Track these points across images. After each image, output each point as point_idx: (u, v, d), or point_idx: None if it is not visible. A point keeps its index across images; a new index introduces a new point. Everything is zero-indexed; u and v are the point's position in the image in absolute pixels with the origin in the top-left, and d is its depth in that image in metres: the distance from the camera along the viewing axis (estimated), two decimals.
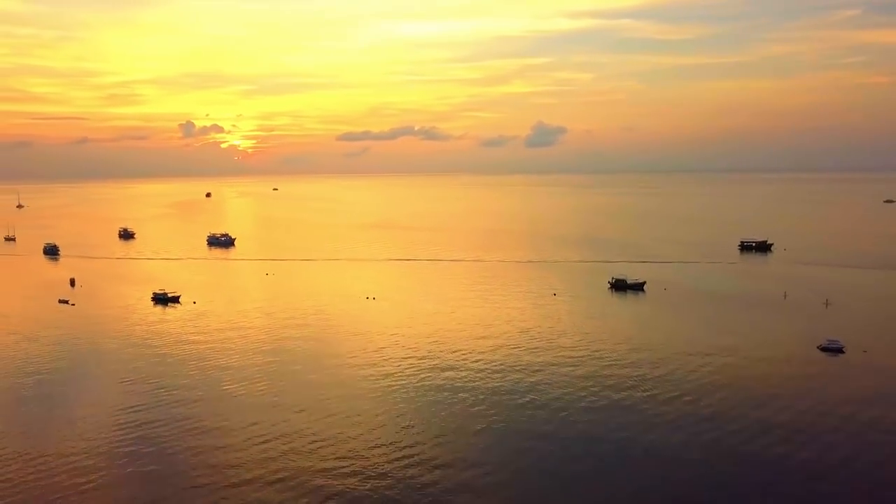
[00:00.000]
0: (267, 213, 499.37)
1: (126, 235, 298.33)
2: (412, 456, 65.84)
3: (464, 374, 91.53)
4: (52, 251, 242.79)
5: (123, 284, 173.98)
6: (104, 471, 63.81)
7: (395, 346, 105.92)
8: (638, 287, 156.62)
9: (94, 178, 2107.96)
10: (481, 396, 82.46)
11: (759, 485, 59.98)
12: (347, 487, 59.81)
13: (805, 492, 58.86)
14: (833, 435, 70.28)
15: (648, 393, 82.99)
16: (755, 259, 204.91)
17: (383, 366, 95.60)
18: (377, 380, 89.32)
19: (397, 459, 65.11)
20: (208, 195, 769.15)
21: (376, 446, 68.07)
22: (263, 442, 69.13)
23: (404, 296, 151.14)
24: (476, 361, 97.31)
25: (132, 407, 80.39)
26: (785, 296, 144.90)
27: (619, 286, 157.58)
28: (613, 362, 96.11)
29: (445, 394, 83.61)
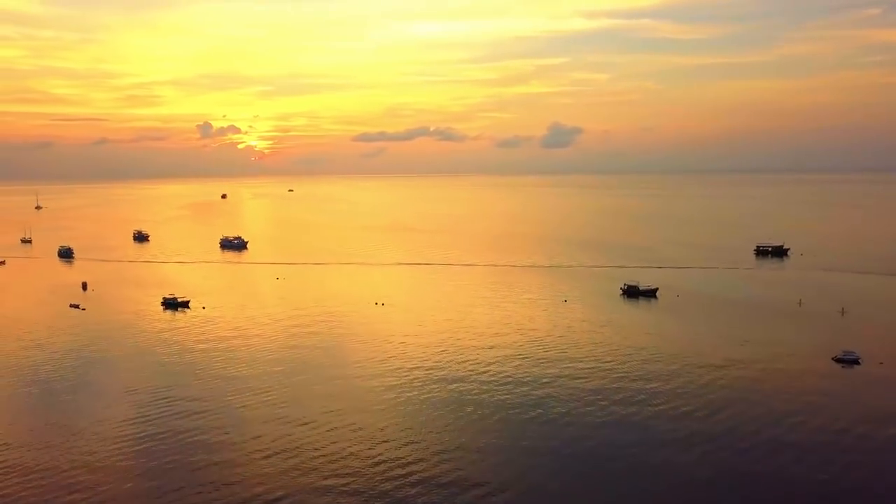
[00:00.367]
0: (281, 214, 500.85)
1: (140, 238, 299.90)
2: (415, 474, 64.67)
3: (471, 386, 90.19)
4: (66, 254, 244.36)
5: (135, 288, 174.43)
6: (104, 486, 63.20)
7: (402, 357, 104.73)
8: (650, 294, 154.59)
9: (112, 178, 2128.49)
10: (488, 411, 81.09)
11: None
12: None
13: None
14: (847, 455, 68.20)
15: (659, 408, 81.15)
16: (771, 264, 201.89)
17: (388, 377, 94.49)
18: (382, 392, 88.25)
19: (400, 477, 63.98)
20: (224, 196, 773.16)
21: (378, 463, 67.00)
22: (264, 458, 68.23)
23: (413, 301, 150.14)
24: (483, 373, 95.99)
25: (133, 419, 79.71)
26: (800, 303, 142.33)
27: (631, 293, 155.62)
28: (623, 375, 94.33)
29: (451, 407, 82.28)
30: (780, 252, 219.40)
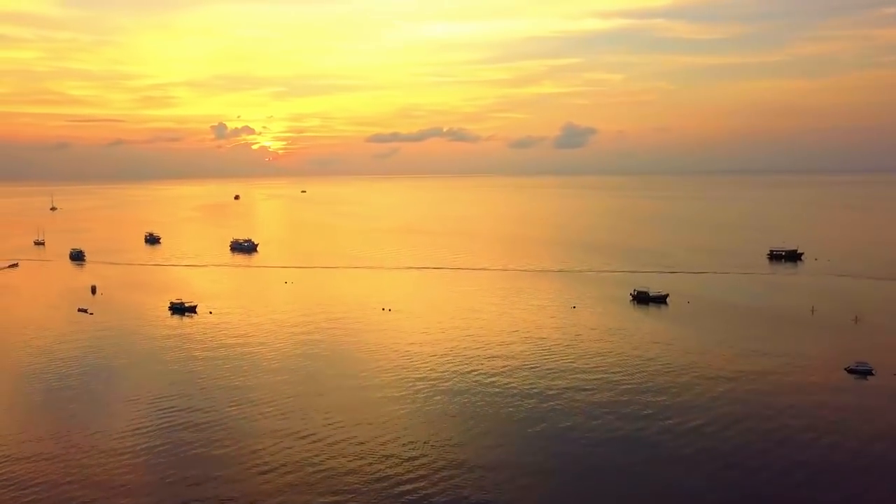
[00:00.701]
0: (293, 216, 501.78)
1: (152, 240, 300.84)
2: (414, 492, 63.54)
3: (475, 398, 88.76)
4: (77, 256, 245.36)
5: (143, 292, 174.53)
6: (99, 502, 62.64)
7: (405, 367, 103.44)
8: (660, 300, 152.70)
9: (128, 179, 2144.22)
10: (492, 425, 79.55)
11: None
12: None
13: None
14: (861, 476, 66.33)
15: (667, 423, 79.28)
16: (784, 269, 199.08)
17: (391, 388, 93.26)
18: (384, 404, 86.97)
19: (399, 496, 62.92)
20: (237, 198, 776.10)
21: (377, 480, 65.87)
22: (261, 473, 67.32)
23: (420, 307, 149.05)
24: (488, 385, 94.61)
25: (130, 431, 78.83)
26: (812, 311, 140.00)
27: (641, 299, 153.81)
28: (631, 387, 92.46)
29: (454, 421, 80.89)
30: (793, 257, 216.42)
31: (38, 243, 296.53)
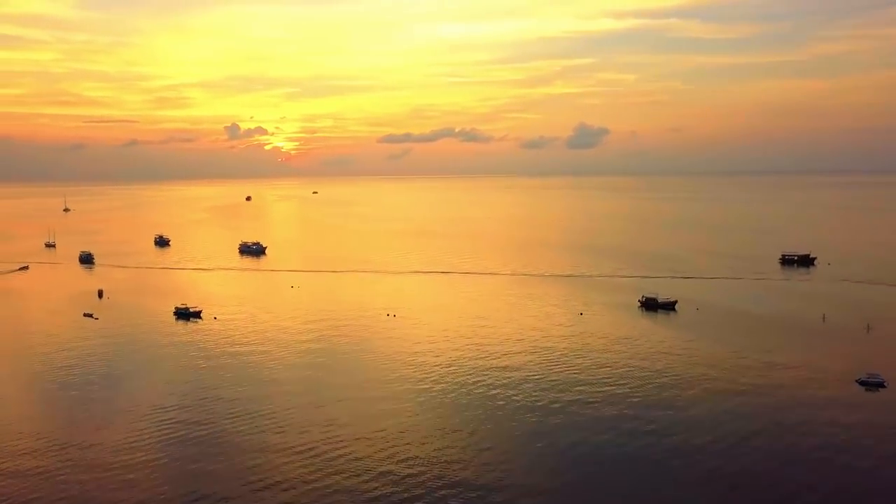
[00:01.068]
0: (303, 218, 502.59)
1: (161, 243, 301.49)
2: None
3: (476, 413, 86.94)
4: (87, 259, 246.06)
5: (150, 296, 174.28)
6: None
7: (406, 379, 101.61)
8: (669, 307, 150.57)
9: (142, 179, 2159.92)
10: (493, 442, 77.67)
11: None
12: None
13: None
14: (877, 501, 64.37)
15: (673, 441, 77.01)
16: (796, 275, 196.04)
17: (390, 402, 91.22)
18: (382, 418, 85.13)
19: None
20: (248, 199, 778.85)
21: (374, 499, 64.61)
22: (254, 491, 66.07)
23: (425, 314, 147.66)
24: (490, 398, 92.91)
25: (124, 445, 77.65)
26: (824, 318, 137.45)
27: (650, 305, 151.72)
28: (638, 401, 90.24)
29: (454, 437, 78.97)
30: (806, 261, 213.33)
31: (48, 245, 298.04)
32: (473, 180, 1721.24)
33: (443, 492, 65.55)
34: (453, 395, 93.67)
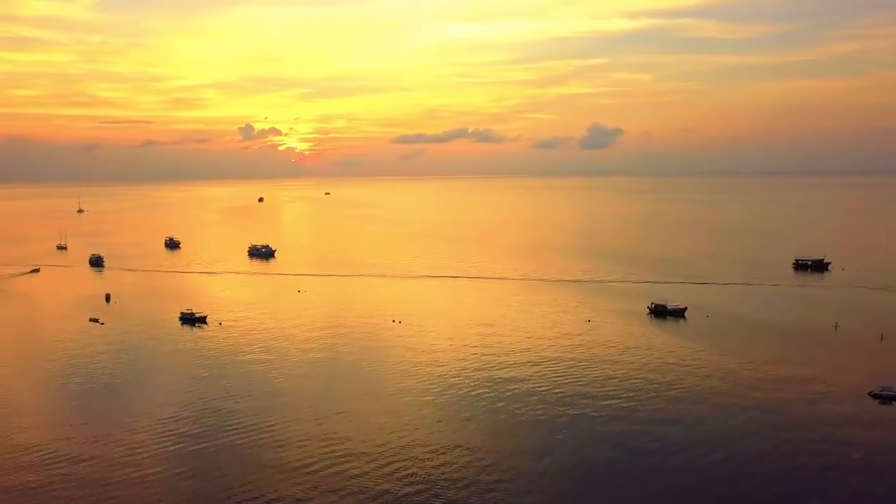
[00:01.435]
0: (314, 220, 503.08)
1: (172, 245, 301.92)
2: None
3: (479, 429, 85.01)
4: (97, 262, 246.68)
5: (157, 301, 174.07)
6: None
7: (407, 392, 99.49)
8: (678, 314, 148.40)
9: (157, 180, 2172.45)
10: (494, 459, 75.75)
11: None
12: None
13: None
14: None
15: (681, 460, 74.68)
16: (809, 280, 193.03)
17: (390, 417, 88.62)
18: (381, 434, 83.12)
19: None
20: (261, 200, 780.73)
21: None
22: None
23: (430, 320, 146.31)
24: (494, 412, 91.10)
25: (118, 462, 76.41)
26: (836, 327, 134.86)
27: (659, 312, 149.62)
28: (644, 416, 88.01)
29: (453, 454, 77.11)
30: (820, 266, 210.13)
31: (60, 248, 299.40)
32: (486, 181, 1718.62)
33: None
34: (455, 409, 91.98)
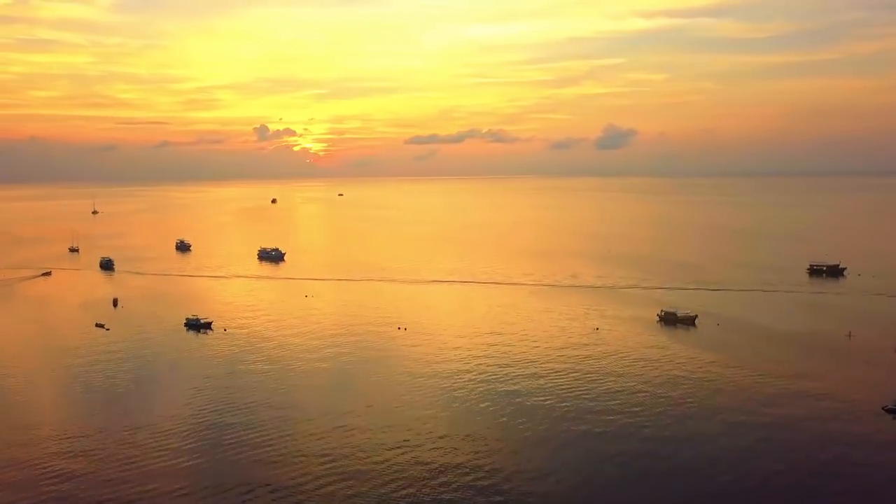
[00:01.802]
0: (325, 222, 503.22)
1: (182, 247, 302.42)
2: None
3: (481, 447, 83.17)
4: (107, 265, 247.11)
5: (163, 305, 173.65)
6: None
7: (408, 406, 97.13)
8: (689, 322, 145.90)
9: (172, 180, 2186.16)
10: (495, 480, 73.89)
11: None
12: None
13: None
14: None
15: (691, 482, 72.52)
16: (824, 286, 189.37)
17: (388, 434, 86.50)
18: (378, 453, 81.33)
19: None
20: (274, 201, 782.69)
21: None
22: None
23: (437, 327, 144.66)
24: (497, 428, 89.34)
25: (111, 479, 75.73)
26: (849, 336, 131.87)
27: (669, 320, 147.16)
28: (652, 435, 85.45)
29: (454, 474, 75.37)
30: (835, 272, 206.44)
31: (72, 250, 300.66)
32: (500, 181, 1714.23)
33: None
34: (457, 425, 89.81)
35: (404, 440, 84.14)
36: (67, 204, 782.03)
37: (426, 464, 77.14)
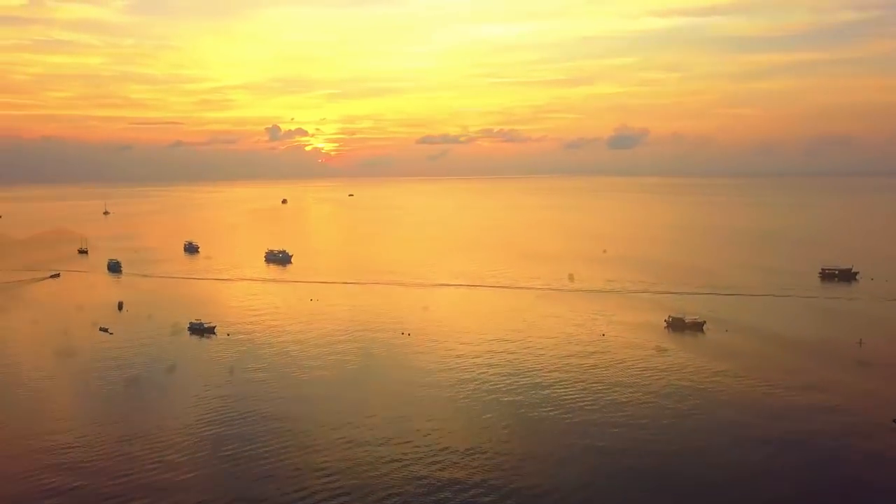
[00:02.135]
0: (334, 223, 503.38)
1: (191, 249, 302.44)
2: None
3: (480, 462, 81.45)
4: (115, 268, 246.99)
5: (168, 309, 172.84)
6: None
7: (408, 418, 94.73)
8: (697, 327, 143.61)
9: (185, 180, 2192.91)
10: (495, 497, 72.19)
11: None
12: None
13: None
14: None
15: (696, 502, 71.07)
16: (836, 291, 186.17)
17: (387, 447, 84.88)
18: (375, 467, 79.76)
19: None
20: (284, 202, 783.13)
21: None
22: None
23: (441, 333, 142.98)
24: (498, 442, 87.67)
25: (104, 492, 74.46)
26: (860, 343, 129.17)
27: (677, 326, 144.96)
28: (659, 450, 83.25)
29: (454, 490, 73.83)
30: (847, 276, 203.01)
31: (81, 252, 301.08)
32: (511, 181, 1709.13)
33: None
34: (457, 439, 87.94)
35: (402, 454, 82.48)
36: (79, 205, 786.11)
37: (423, 479, 75.57)
